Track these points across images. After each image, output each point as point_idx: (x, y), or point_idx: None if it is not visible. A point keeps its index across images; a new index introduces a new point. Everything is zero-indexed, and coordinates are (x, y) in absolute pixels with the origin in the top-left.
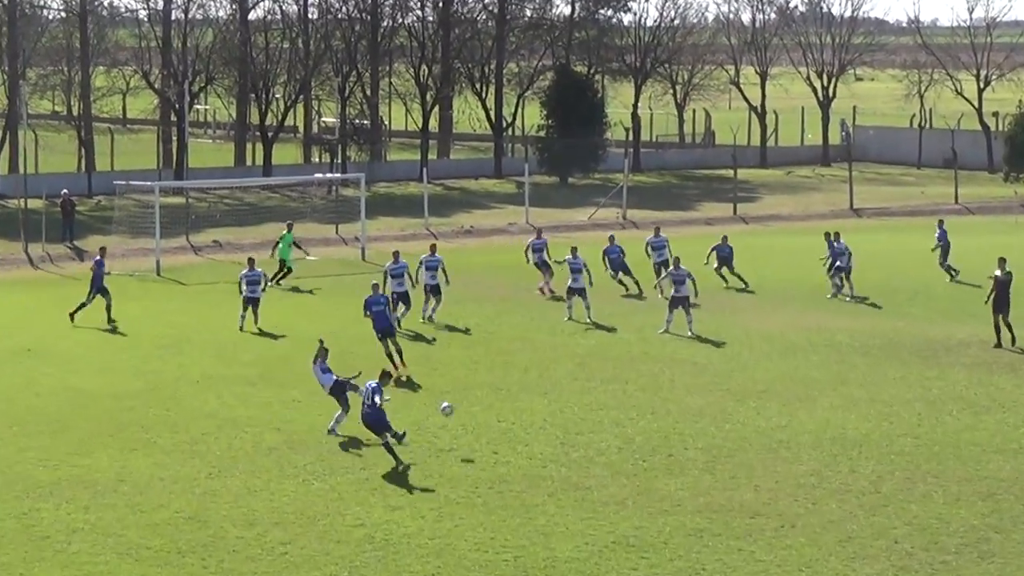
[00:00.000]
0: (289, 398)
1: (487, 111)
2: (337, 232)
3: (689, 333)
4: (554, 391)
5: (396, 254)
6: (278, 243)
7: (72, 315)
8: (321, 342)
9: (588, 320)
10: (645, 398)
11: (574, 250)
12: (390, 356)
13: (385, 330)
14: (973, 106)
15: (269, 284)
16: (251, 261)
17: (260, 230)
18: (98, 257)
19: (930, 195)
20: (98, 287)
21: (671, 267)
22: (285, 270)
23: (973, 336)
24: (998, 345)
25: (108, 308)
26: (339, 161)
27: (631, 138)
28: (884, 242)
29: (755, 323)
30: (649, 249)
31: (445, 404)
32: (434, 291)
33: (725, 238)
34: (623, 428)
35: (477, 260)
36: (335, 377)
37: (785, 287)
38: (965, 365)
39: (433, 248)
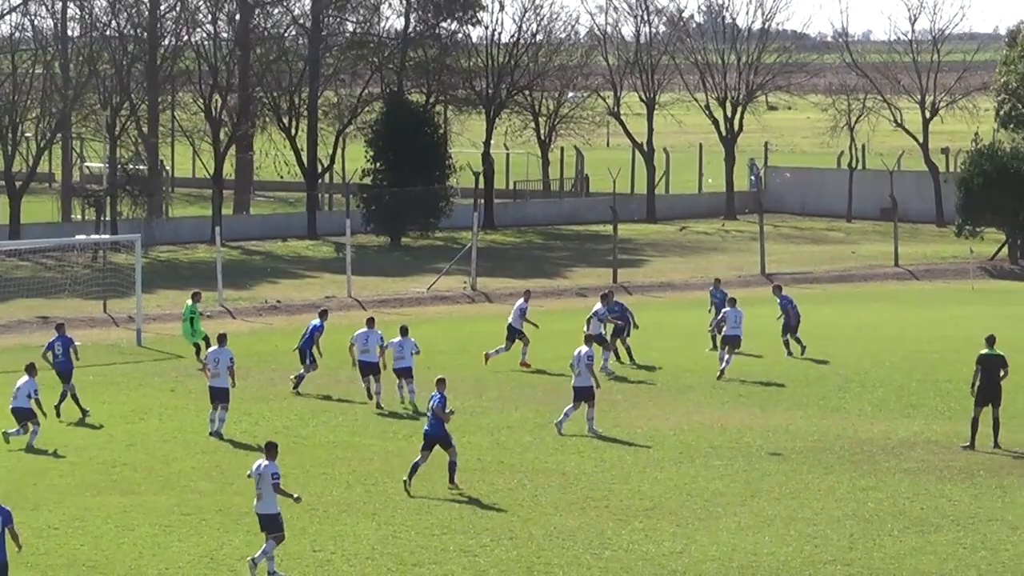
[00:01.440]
0: (43, 524)
1: (298, 152)
2: (105, 310)
3: (588, 431)
4: (385, 511)
5: (370, 321)
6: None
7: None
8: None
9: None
10: (501, 519)
11: (403, 330)
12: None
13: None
14: (917, 141)
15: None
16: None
17: (7, 308)
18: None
19: (864, 255)
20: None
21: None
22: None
23: (918, 435)
24: (969, 446)
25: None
26: (107, 218)
27: (482, 185)
28: (805, 316)
29: (640, 421)
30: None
31: None
32: (221, 396)
33: (608, 295)
34: (473, 557)
35: (285, 344)
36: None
37: (679, 375)
38: (909, 472)
39: (222, 339)
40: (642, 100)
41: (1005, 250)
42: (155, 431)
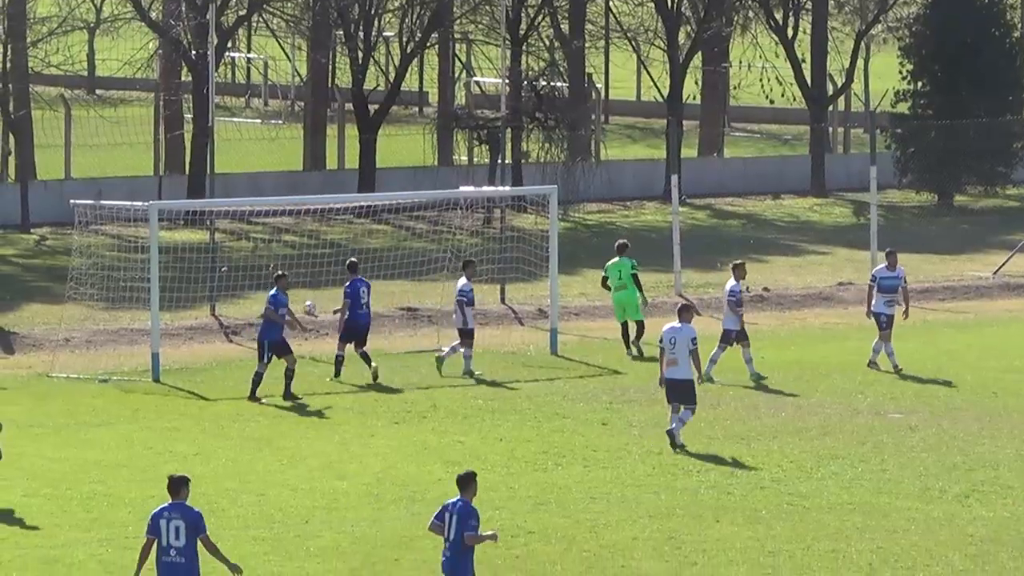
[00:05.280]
0: None
1: (796, 65)
2: (503, 299)
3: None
4: None
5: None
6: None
7: None
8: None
9: None
10: None
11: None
12: None
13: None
14: None
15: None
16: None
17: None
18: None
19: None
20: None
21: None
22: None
23: None
24: None
25: None
26: (506, 161)
27: None
28: None
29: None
30: None
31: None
32: (683, 392)
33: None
34: None
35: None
36: None
37: None
38: None
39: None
40: None
41: None
42: (578, 483)
